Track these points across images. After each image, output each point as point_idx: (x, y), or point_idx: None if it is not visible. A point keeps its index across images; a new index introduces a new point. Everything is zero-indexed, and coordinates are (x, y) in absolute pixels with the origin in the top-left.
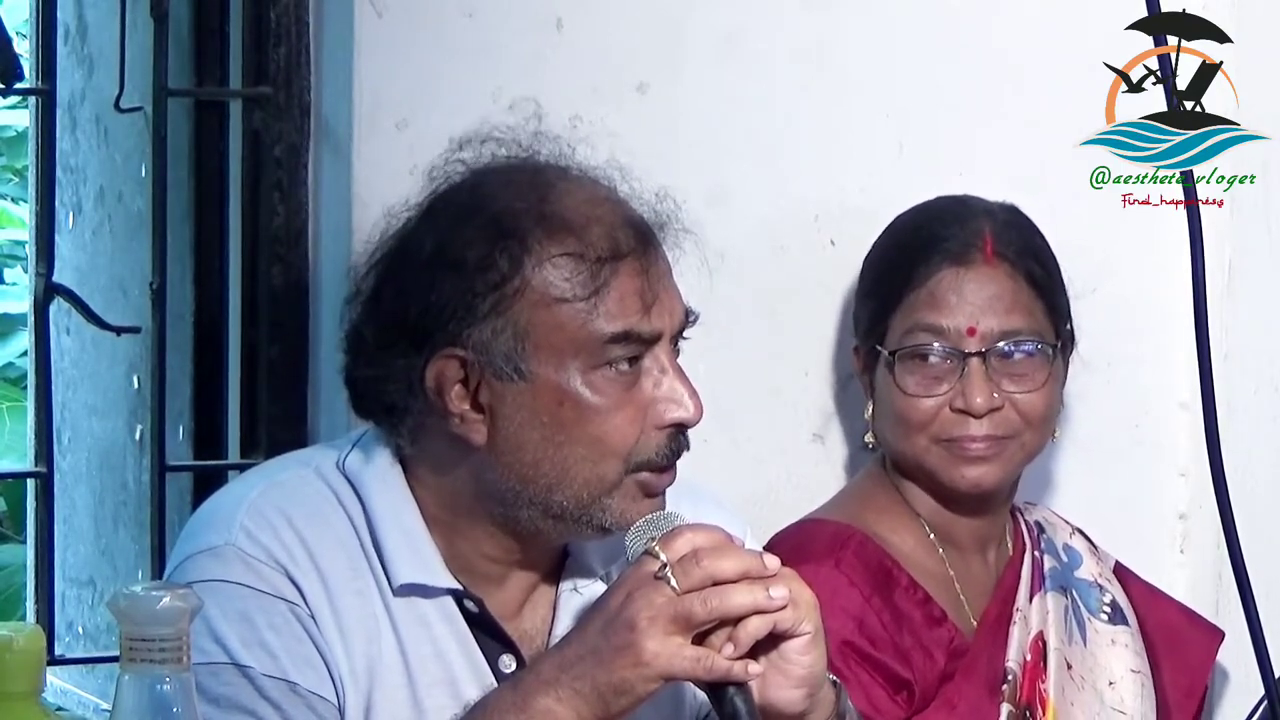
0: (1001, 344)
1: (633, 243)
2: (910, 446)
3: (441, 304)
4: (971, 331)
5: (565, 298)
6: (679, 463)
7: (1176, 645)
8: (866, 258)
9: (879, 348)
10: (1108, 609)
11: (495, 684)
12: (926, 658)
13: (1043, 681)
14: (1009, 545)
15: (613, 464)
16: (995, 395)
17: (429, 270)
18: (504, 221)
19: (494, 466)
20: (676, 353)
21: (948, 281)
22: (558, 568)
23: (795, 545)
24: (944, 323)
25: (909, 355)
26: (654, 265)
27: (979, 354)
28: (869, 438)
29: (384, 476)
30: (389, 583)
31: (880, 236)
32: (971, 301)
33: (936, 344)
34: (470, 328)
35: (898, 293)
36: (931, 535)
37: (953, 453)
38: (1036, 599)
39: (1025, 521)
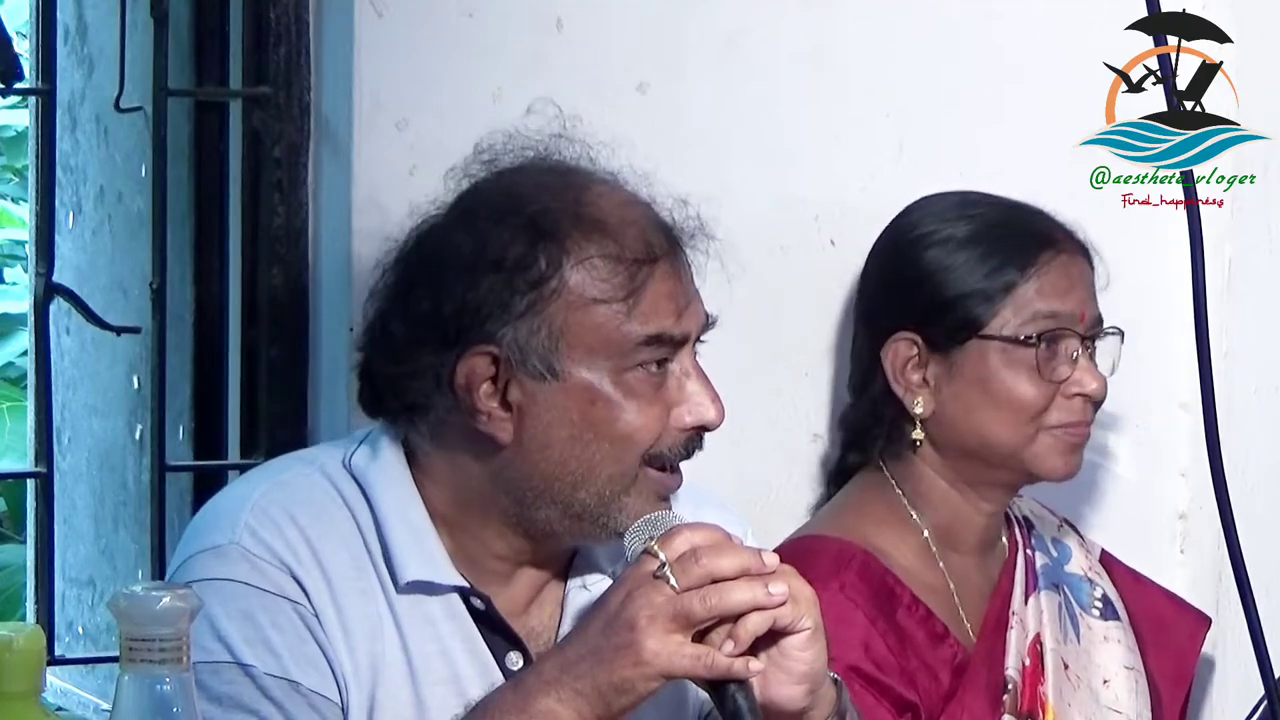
0: (1101, 329)
1: (665, 245)
2: (1014, 435)
3: (479, 302)
4: (1082, 317)
5: (602, 299)
6: (681, 464)
7: (1163, 632)
8: (914, 251)
9: (974, 338)
10: (1099, 604)
11: (502, 681)
12: (932, 679)
13: (1042, 685)
14: (1004, 545)
15: (631, 459)
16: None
17: (466, 269)
18: (541, 222)
19: (517, 465)
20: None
21: (1058, 269)
22: (566, 565)
23: (796, 565)
24: (1061, 309)
25: (1032, 342)
26: (684, 269)
27: (1089, 338)
28: (918, 434)
29: (390, 474)
30: (394, 581)
31: (924, 231)
32: (1078, 288)
33: (1058, 330)
34: (506, 326)
35: (1006, 282)
36: (933, 547)
37: (1058, 439)
38: (1031, 600)
39: (1015, 518)
